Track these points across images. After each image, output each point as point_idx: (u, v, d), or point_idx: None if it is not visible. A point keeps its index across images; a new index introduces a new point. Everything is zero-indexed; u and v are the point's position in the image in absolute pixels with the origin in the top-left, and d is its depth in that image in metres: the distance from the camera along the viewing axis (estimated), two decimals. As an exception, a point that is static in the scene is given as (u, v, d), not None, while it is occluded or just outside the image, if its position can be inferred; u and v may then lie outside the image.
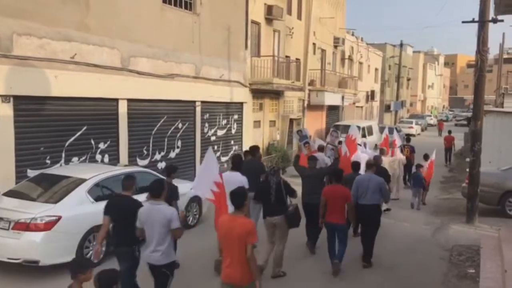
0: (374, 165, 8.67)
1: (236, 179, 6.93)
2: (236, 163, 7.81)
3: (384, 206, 9.15)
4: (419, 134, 38.49)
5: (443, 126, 38.53)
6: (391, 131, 13.84)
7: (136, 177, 6.53)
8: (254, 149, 8.95)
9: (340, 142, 12.54)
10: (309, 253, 8.33)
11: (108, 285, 3.86)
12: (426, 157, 14.03)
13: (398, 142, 14.56)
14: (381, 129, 23.60)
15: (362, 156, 11.81)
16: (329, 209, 7.26)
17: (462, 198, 12.06)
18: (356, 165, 9.15)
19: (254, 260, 4.60)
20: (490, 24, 10.54)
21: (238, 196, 4.73)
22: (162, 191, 5.21)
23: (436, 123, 45.83)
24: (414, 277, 7.48)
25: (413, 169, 13.41)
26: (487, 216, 11.23)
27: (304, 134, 11.39)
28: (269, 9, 17.86)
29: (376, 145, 20.20)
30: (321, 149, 12.24)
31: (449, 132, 23.47)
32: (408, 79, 52.85)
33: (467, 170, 10.90)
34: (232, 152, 16.00)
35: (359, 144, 13.10)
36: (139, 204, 5.47)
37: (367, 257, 7.81)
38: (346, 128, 20.08)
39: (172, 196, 6.46)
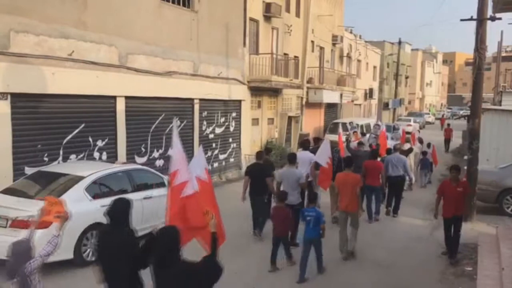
0: (399, 149, 12.39)
1: (307, 156, 9.75)
2: (305, 145, 10.56)
3: (405, 186, 12.28)
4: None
5: (444, 122, 39.16)
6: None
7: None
8: (304, 142, 11.50)
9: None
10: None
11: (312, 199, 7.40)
12: (428, 145, 17.17)
13: (416, 135, 18.29)
14: (389, 128, 24.78)
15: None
16: (368, 176, 10.26)
17: (460, 196, 12.09)
18: (389, 150, 12.50)
19: (359, 197, 8.16)
20: (489, 22, 10.53)
21: (349, 161, 8.55)
22: (295, 160, 8.57)
23: (439, 120, 47.09)
24: (411, 275, 7.49)
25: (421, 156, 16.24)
26: (485, 214, 11.25)
27: (354, 125, 16.84)
28: (267, 6, 17.83)
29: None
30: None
31: (448, 125, 28.25)
32: (407, 77, 52.82)
33: (465, 168, 10.90)
34: (230, 149, 16.01)
35: None
36: (269, 168, 8.97)
37: (396, 210, 11.19)
38: (344, 125, 20.48)
39: (269, 171, 9.03)
